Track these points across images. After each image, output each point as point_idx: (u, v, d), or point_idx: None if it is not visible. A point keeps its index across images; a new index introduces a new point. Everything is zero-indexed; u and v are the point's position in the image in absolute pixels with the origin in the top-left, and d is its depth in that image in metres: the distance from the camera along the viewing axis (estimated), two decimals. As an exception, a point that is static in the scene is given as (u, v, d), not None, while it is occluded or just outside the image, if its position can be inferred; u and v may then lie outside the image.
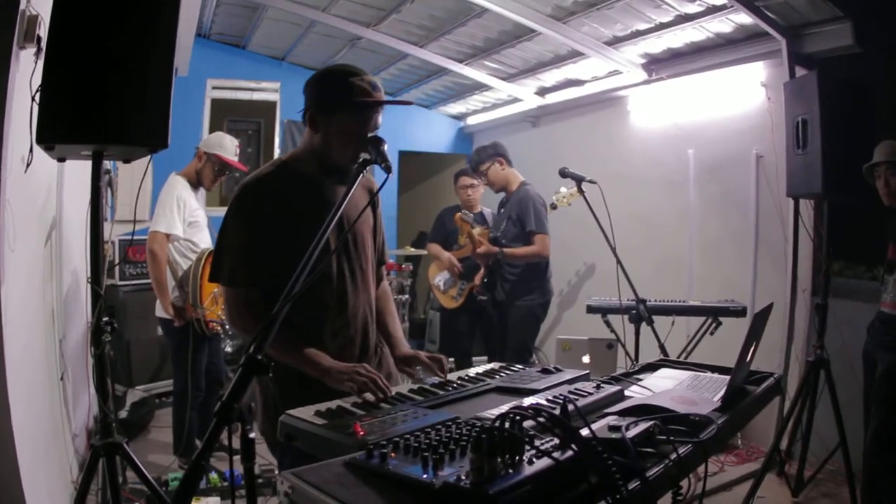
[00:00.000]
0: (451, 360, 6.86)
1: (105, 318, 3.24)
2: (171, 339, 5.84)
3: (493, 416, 1.74)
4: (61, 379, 4.73)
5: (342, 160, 2.87)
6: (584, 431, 1.79)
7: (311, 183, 2.92)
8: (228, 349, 7.73)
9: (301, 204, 2.84)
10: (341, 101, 2.81)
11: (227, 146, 5.88)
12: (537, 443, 1.72)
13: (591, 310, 5.88)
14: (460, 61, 8.93)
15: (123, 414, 6.43)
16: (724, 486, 5.55)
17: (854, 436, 4.88)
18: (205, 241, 5.87)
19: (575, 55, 7.80)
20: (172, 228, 5.58)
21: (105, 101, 2.89)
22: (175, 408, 5.90)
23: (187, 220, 5.68)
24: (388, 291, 3.47)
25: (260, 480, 4.98)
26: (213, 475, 5.20)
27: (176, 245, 5.68)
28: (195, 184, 5.88)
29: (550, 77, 8.87)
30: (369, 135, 2.79)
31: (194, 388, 5.67)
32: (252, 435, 1.71)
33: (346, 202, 2.32)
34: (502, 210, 6.86)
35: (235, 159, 5.95)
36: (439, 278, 7.46)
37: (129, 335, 7.38)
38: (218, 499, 4.94)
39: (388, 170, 2.56)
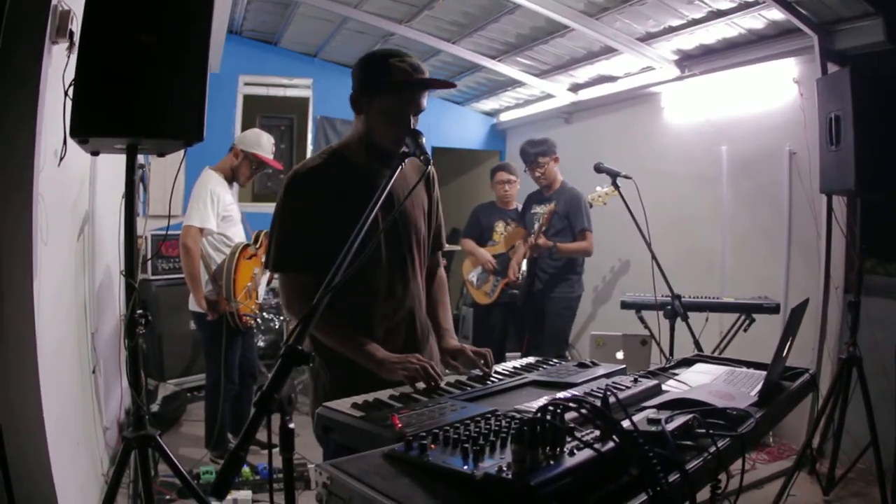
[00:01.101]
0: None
1: (139, 311, 3.26)
2: (204, 332, 5.89)
3: (533, 409, 1.74)
4: (93, 372, 4.78)
5: (385, 143, 2.87)
6: (625, 423, 1.78)
7: (359, 170, 2.92)
8: (261, 343, 7.79)
9: (349, 192, 2.83)
10: (380, 83, 2.82)
11: (265, 145, 5.93)
12: (578, 435, 1.71)
13: (625, 306, 5.94)
14: (493, 58, 8.89)
15: (155, 408, 6.48)
16: (756, 484, 5.52)
17: (885, 435, 4.84)
18: (238, 235, 5.91)
19: (608, 51, 7.77)
20: (206, 223, 5.62)
21: (139, 94, 2.92)
22: (207, 401, 5.95)
23: (221, 215, 5.72)
24: (444, 281, 3.40)
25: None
26: (245, 468, 5.19)
27: (209, 239, 5.72)
28: (229, 179, 5.93)
29: (583, 73, 8.80)
30: (412, 120, 2.79)
31: (227, 382, 5.71)
32: (291, 426, 1.71)
33: (389, 186, 2.32)
34: (535, 204, 6.98)
35: (272, 157, 5.98)
36: (473, 274, 7.51)
37: (161, 329, 7.44)
38: (249, 492, 4.92)
39: (426, 162, 2.58)
